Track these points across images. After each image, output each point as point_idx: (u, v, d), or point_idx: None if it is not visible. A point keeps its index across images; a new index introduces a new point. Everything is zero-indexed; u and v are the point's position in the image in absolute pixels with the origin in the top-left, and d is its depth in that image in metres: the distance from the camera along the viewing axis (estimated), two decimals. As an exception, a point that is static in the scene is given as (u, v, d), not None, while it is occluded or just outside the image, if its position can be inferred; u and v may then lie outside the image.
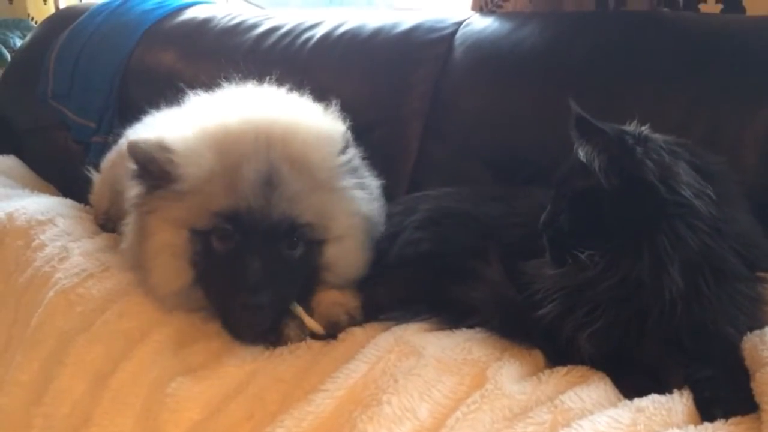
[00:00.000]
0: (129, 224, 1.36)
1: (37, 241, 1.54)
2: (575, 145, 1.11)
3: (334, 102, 1.48)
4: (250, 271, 1.18)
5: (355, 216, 1.32)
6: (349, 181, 1.33)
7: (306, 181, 1.25)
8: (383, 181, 1.49)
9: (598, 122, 1.09)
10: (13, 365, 1.34)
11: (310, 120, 1.37)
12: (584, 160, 1.07)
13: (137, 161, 1.27)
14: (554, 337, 1.09)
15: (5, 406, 1.30)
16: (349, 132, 1.36)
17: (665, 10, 1.76)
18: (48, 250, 1.51)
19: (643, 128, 1.11)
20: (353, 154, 1.37)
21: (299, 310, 1.26)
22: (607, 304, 1.05)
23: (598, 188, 1.06)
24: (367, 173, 1.45)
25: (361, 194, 1.36)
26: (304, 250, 1.26)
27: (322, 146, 1.30)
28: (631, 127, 1.12)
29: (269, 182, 1.23)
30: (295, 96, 1.52)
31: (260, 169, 1.23)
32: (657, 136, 1.11)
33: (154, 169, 1.26)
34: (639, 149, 1.05)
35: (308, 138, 1.30)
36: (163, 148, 1.25)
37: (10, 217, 1.65)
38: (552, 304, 1.09)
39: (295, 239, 1.25)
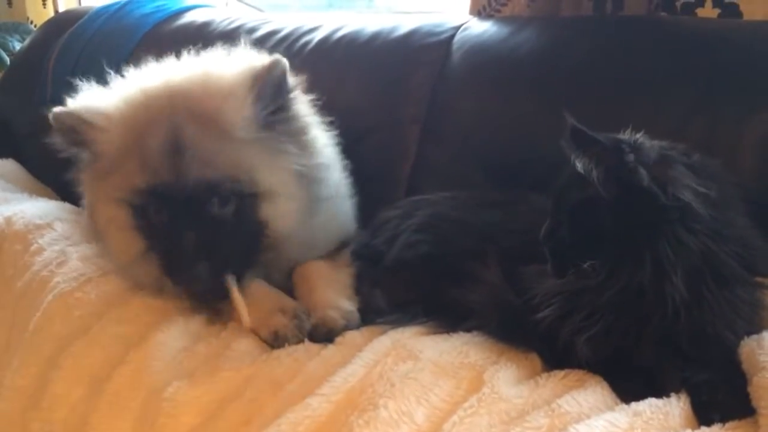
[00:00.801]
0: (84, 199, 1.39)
1: (35, 245, 1.54)
2: (572, 156, 1.10)
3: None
4: (182, 244, 1.17)
5: (283, 170, 1.26)
6: (271, 133, 1.25)
7: (215, 138, 1.20)
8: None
9: (593, 132, 1.09)
10: (10, 370, 1.33)
11: (220, 70, 1.28)
12: (582, 171, 1.07)
13: (60, 131, 1.29)
14: (552, 340, 1.10)
15: (3, 411, 1.29)
16: (279, 75, 1.24)
17: (663, 14, 1.76)
18: (46, 254, 1.50)
19: (637, 135, 1.12)
20: (283, 102, 1.27)
21: (236, 296, 1.22)
22: (606, 309, 1.05)
23: (597, 198, 1.06)
24: (314, 129, 1.37)
25: (292, 148, 1.27)
26: (236, 206, 1.22)
27: (229, 97, 1.22)
28: (625, 135, 1.12)
29: (176, 148, 1.19)
30: (229, 52, 1.40)
31: (165, 137, 1.20)
32: (652, 142, 1.11)
33: (78, 139, 1.27)
34: (632, 156, 1.05)
35: (212, 90, 1.24)
36: (81, 120, 1.25)
37: (8, 221, 1.65)
38: (550, 308, 1.09)
39: (221, 197, 1.21)
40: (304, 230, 1.33)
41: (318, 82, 1.97)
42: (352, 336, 1.18)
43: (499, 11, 1.97)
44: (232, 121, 1.21)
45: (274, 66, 1.24)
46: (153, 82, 1.30)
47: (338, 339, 1.18)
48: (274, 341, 1.22)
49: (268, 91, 1.23)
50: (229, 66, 1.30)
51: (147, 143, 1.20)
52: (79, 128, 1.26)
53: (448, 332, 1.17)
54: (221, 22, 2.30)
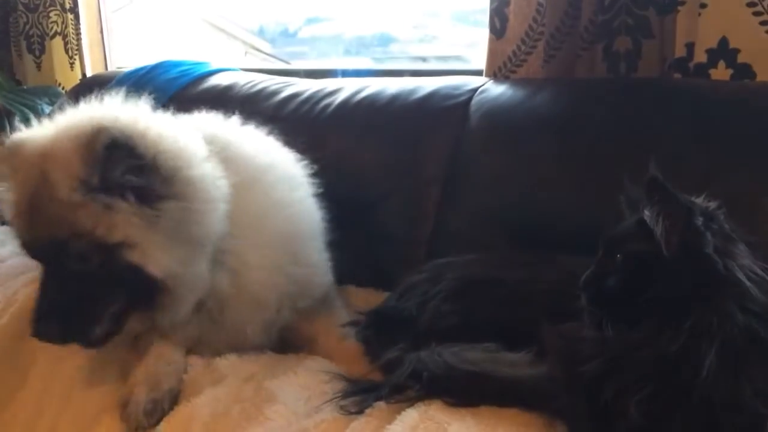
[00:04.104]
0: None
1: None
2: (641, 205, 1.11)
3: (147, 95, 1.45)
4: (37, 301, 1.26)
5: (128, 224, 1.25)
6: (110, 192, 1.25)
7: (53, 200, 1.24)
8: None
9: (671, 187, 1.09)
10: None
11: (71, 130, 1.29)
12: (648, 221, 1.08)
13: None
14: (594, 396, 1.07)
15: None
16: (106, 144, 1.21)
17: (676, 76, 1.80)
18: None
19: (711, 203, 1.12)
20: (129, 162, 1.25)
21: None
22: (652, 372, 1.04)
23: (654, 253, 1.06)
24: (198, 182, 1.33)
25: (126, 205, 1.26)
26: (102, 260, 1.25)
27: (59, 161, 1.25)
28: (699, 200, 1.13)
29: (29, 208, 1.28)
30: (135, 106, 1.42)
31: (24, 195, 1.29)
32: (723, 215, 1.11)
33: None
34: (702, 221, 1.05)
35: (54, 153, 1.26)
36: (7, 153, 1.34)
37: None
38: (594, 362, 1.08)
39: (76, 253, 1.25)
40: (193, 266, 1.33)
41: (339, 143, 2.04)
42: (381, 408, 1.19)
43: (514, 72, 2.03)
44: (66, 187, 1.24)
45: (96, 137, 1.23)
46: (35, 139, 1.33)
47: (368, 410, 1.19)
48: (121, 412, 1.30)
49: (93, 159, 1.23)
50: (75, 126, 1.30)
51: (13, 206, 1.31)
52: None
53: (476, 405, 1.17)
54: (244, 85, 2.37)
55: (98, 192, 1.24)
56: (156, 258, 1.27)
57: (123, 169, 1.25)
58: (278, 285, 1.48)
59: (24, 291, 1.77)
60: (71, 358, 1.48)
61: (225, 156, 1.42)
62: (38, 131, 1.37)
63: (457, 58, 3.66)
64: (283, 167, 1.61)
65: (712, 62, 1.75)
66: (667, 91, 1.72)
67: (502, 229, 1.74)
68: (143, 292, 1.30)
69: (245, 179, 1.44)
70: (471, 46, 3.36)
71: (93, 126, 1.25)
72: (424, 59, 4.34)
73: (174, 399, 1.33)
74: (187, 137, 1.39)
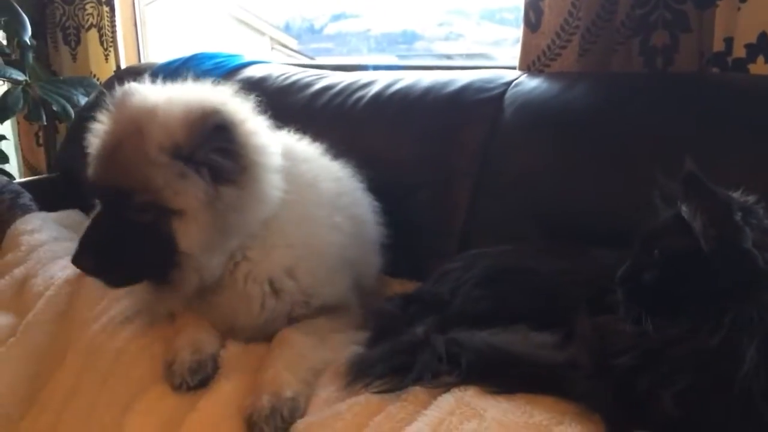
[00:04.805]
0: None
1: (113, 292, 1.60)
2: (678, 200, 1.12)
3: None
4: (85, 233, 1.38)
5: (192, 199, 1.34)
6: (192, 163, 1.34)
7: (139, 155, 1.33)
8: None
9: (709, 182, 1.09)
10: (82, 412, 1.40)
11: (179, 101, 1.40)
12: (686, 217, 1.08)
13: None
14: (627, 389, 1.08)
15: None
16: (212, 124, 1.34)
17: (714, 70, 1.78)
18: (123, 302, 1.57)
19: (749, 198, 1.12)
20: (218, 143, 1.35)
21: None
22: (690, 364, 1.04)
23: (692, 248, 1.06)
24: (263, 178, 1.43)
25: (199, 180, 1.34)
26: (153, 217, 1.34)
27: (162, 125, 1.35)
28: (737, 194, 1.12)
29: (110, 155, 1.38)
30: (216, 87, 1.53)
31: (109, 142, 1.40)
32: (762, 209, 1.11)
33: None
34: (741, 215, 1.05)
35: (158, 116, 1.36)
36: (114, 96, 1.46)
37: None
38: (628, 355, 1.09)
39: (137, 205, 1.34)
40: (216, 253, 1.41)
41: (372, 136, 2.05)
42: (416, 392, 1.19)
43: (548, 66, 2.02)
44: (156, 146, 1.34)
45: (208, 115, 1.36)
46: (147, 96, 1.45)
47: (403, 395, 1.19)
48: (165, 372, 1.35)
49: (198, 133, 1.35)
50: (189, 100, 1.41)
51: (99, 142, 1.42)
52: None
53: (512, 391, 1.17)
54: (277, 77, 2.39)
55: (182, 160, 1.34)
56: (191, 234, 1.36)
57: (214, 148, 1.36)
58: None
59: (60, 274, 1.81)
60: (110, 340, 1.51)
61: (289, 172, 1.51)
62: (151, 90, 1.48)
63: (483, 56, 3.65)
64: (342, 199, 1.65)
65: (751, 57, 1.73)
66: (704, 86, 1.70)
67: (535, 221, 1.74)
68: (161, 256, 1.37)
69: (293, 199, 1.50)
70: (496, 44, 3.36)
71: (207, 105, 1.38)
72: (449, 57, 4.34)
73: (215, 364, 1.37)
74: (272, 141, 1.50)
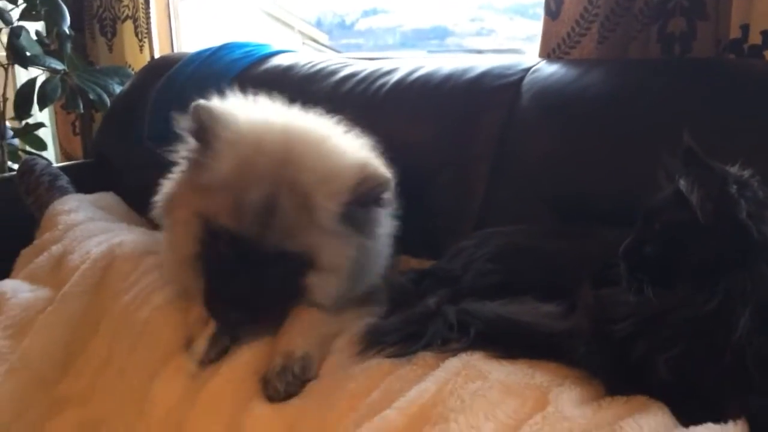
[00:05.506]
0: (164, 185, 1.54)
1: (144, 266, 1.68)
2: (677, 175, 1.16)
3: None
4: (230, 287, 1.31)
5: (343, 258, 1.37)
6: (347, 227, 1.36)
7: (305, 216, 1.31)
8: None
9: (706, 156, 1.13)
10: (115, 376, 1.49)
11: (334, 152, 1.40)
12: (684, 191, 1.12)
13: (193, 122, 1.40)
14: (625, 354, 1.13)
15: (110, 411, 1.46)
16: (379, 190, 1.37)
17: (731, 56, 1.80)
18: (153, 275, 1.65)
19: (745, 172, 1.15)
20: (370, 207, 1.39)
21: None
22: (685, 332, 1.08)
23: (690, 222, 1.10)
24: (383, 222, 1.48)
25: (358, 241, 1.38)
26: (292, 270, 1.35)
27: (330, 186, 1.33)
28: (734, 168, 1.16)
29: (271, 211, 1.30)
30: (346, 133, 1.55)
31: (265, 194, 1.30)
32: (758, 182, 1.14)
33: (201, 137, 1.38)
34: (736, 188, 1.09)
35: (319, 170, 1.34)
36: (215, 119, 1.36)
37: (120, 244, 1.80)
38: (627, 321, 1.13)
39: (284, 262, 1.32)
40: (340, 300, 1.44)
41: (393, 121, 2.10)
42: (425, 356, 1.25)
43: (568, 53, 2.05)
44: (324, 209, 1.32)
45: (379, 182, 1.37)
46: (276, 127, 1.41)
47: (414, 359, 1.25)
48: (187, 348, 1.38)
49: (363, 198, 1.37)
50: (343, 152, 1.41)
51: (248, 191, 1.31)
52: (209, 127, 1.36)
53: (516, 357, 1.23)
54: (304, 65, 2.45)
55: (347, 222, 1.36)
56: (329, 287, 1.39)
57: (374, 208, 1.41)
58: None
59: (95, 250, 1.89)
60: (138, 311, 1.59)
61: None
62: (243, 110, 1.44)
63: (514, 51, 3.67)
64: None
65: (767, 44, 1.75)
66: (722, 72, 1.72)
67: (550, 205, 1.77)
68: (288, 303, 1.39)
69: None
70: (529, 39, 3.37)
71: (378, 172, 1.38)
72: (479, 52, 4.37)
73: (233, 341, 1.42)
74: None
